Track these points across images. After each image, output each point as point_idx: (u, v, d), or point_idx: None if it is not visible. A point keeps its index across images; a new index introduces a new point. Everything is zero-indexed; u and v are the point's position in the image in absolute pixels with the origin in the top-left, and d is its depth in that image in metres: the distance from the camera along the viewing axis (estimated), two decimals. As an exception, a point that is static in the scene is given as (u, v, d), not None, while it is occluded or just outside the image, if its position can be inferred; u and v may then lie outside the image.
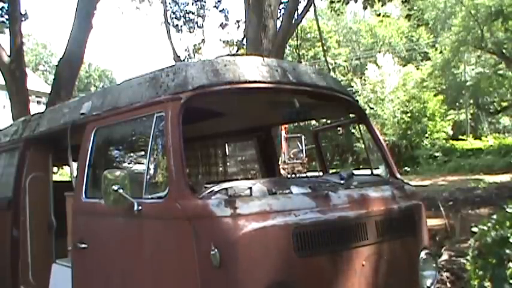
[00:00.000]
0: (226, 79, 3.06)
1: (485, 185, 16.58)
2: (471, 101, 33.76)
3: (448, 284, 5.56)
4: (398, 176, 3.77)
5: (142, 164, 3.07)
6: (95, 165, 3.49)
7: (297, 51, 15.98)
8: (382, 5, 12.00)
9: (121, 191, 2.86)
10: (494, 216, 4.09)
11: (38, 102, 28.43)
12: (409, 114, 30.46)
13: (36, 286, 4.34)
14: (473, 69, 31.88)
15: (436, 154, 28.43)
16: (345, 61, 40.47)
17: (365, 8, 12.30)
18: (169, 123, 2.89)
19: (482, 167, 24.03)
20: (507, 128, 36.17)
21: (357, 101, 4.29)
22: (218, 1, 14.92)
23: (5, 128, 5.44)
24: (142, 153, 3.18)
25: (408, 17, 13.70)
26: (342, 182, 3.21)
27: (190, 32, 15.26)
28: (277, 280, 2.59)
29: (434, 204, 9.88)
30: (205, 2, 15.31)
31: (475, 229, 4.19)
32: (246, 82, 3.13)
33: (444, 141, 29.81)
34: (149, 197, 2.94)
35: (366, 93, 33.19)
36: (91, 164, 3.49)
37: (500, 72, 28.60)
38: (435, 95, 31.22)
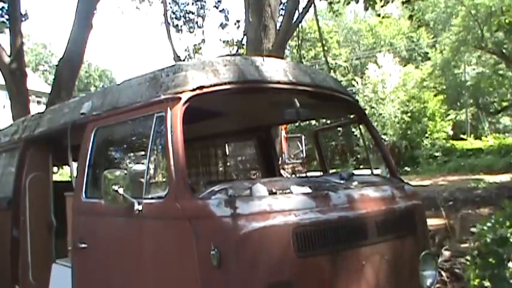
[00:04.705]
0: (226, 79, 3.06)
1: (485, 185, 16.57)
2: (471, 101, 33.72)
3: (448, 284, 5.55)
4: (399, 176, 3.77)
5: (143, 164, 3.07)
6: (95, 165, 3.49)
7: (298, 51, 15.92)
8: (382, 6, 11.98)
9: (121, 191, 2.87)
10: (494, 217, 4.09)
11: (38, 102, 28.42)
12: (409, 114, 30.41)
13: (36, 286, 4.33)
14: (473, 69, 31.84)
15: (436, 154, 28.38)
16: (345, 61, 40.41)
17: (366, 9, 12.30)
18: (169, 123, 2.89)
19: (482, 167, 23.99)
20: (507, 128, 36.09)
21: (357, 101, 4.29)
22: (218, 1, 14.89)
23: (5, 128, 5.44)
24: (142, 153, 3.18)
25: (410, 18, 13.70)
26: (342, 182, 3.21)
27: (190, 32, 15.23)
28: (277, 280, 2.59)
29: (434, 204, 9.86)
30: (205, 2, 15.29)
31: (475, 229, 4.19)
32: (246, 82, 3.14)
33: (444, 141, 29.75)
34: (149, 197, 2.95)
35: (367, 93, 33.14)
36: (91, 164, 3.49)
37: (500, 72, 28.54)
38: (435, 95, 31.17)
